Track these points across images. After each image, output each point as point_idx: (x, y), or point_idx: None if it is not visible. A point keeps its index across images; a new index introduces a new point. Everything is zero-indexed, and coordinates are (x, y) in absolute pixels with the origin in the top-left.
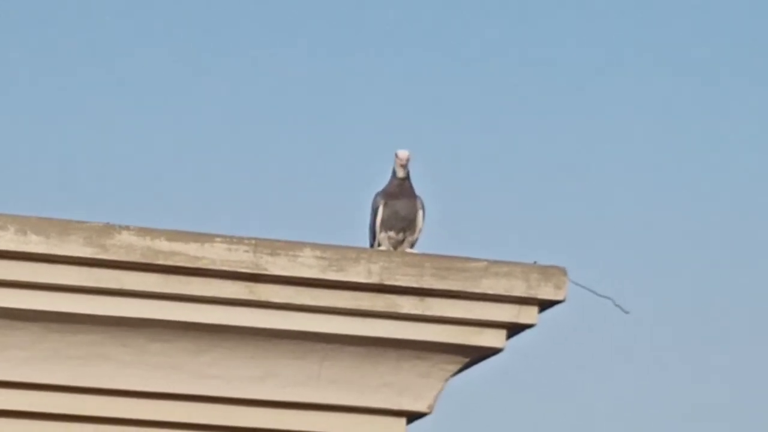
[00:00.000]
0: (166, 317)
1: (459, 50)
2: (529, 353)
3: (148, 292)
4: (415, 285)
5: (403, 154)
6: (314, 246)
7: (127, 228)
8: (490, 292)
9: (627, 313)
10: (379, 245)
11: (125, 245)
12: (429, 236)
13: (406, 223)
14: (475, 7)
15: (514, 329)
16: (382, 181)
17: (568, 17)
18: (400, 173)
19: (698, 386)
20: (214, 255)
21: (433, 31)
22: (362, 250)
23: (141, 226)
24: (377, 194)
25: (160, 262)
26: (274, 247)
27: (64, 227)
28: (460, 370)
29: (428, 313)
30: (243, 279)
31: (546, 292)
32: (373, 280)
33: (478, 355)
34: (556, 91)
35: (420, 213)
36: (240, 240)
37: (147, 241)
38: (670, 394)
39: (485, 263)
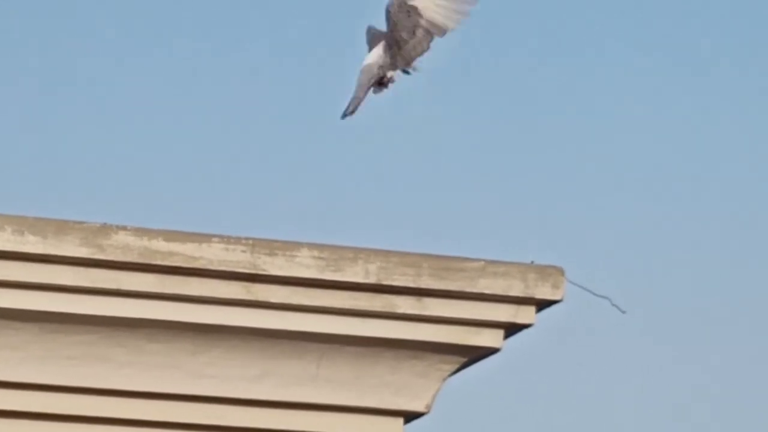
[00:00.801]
0: (164, 317)
1: (460, 48)
2: (526, 353)
3: (145, 292)
4: (412, 285)
5: None
6: (311, 246)
7: (124, 228)
8: (488, 292)
9: (624, 312)
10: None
11: (122, 245)
12: (426, 236)
13: (403, 36)
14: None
15: (511, 329)
16: (378, 179)
17: (562, 14)
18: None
19: (696, 386)
20: (212, 255)
21: None
22: (360, 250)
23: (138, 226)
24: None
25: (158, 262)
26: (271, 247)
27: (61, 227)
28: (458, 370)
29: (426, 313)
30: (240, 279)
31: (543, 292)
32: (371, 280)
33: (476, 355)
34: (551, 87)
35: (420, 31)
36: (237, 240)
37: (144, 242)
38: (667, 394)
39: (483, 263)
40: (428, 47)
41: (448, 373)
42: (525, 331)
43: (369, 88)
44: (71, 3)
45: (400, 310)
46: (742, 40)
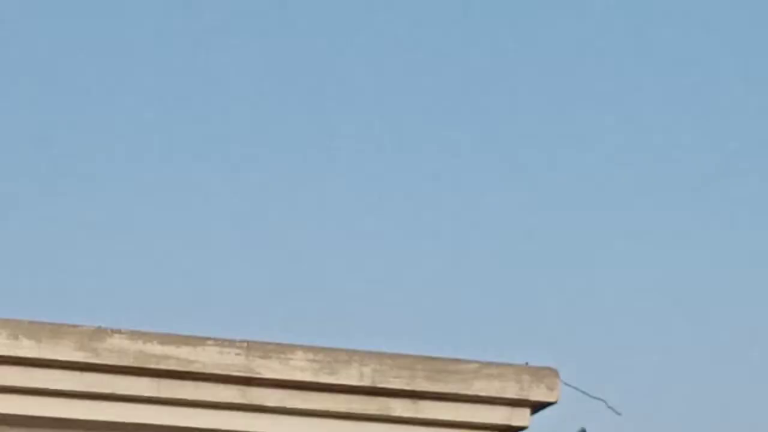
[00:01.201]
0: (159, 422)
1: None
2: None
3: (140, 396)
4: (407, 387)
5: None
6: (306, 348)
7: (119, 331)
8: (483, 394)
9: (619, 414)
10: None
11: (117, 349)
12: (420, 338)
13: None
14: (465, 47)
15: (506, 431)
16: (371, 282)
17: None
18: None
19: None
20: (206, 358)
21: (418, 91)
22: (354, 352)
23: (133, 329)
24: None
25: (152, 366)
26: (265, 349)
27: (56, 331)
28: None
29: (421, 415)
30: (235, 382)
31: (538, 394)
32: (365, 382)
33: None
34: (533, 180)
35: None
36: (232, 343)
37: (139, 345)
38: None
39: (477, 365)
40: None
41: None
42: None
43: None
44: (75, 75)
45: (396, 413)
46: (743, 44)
